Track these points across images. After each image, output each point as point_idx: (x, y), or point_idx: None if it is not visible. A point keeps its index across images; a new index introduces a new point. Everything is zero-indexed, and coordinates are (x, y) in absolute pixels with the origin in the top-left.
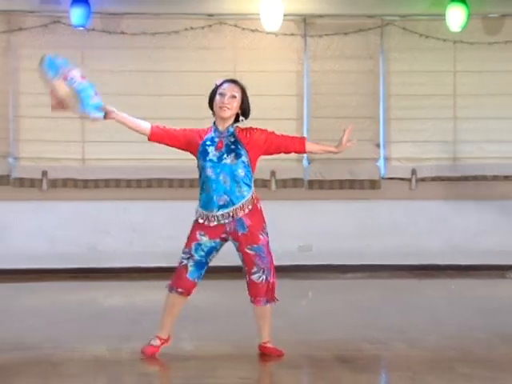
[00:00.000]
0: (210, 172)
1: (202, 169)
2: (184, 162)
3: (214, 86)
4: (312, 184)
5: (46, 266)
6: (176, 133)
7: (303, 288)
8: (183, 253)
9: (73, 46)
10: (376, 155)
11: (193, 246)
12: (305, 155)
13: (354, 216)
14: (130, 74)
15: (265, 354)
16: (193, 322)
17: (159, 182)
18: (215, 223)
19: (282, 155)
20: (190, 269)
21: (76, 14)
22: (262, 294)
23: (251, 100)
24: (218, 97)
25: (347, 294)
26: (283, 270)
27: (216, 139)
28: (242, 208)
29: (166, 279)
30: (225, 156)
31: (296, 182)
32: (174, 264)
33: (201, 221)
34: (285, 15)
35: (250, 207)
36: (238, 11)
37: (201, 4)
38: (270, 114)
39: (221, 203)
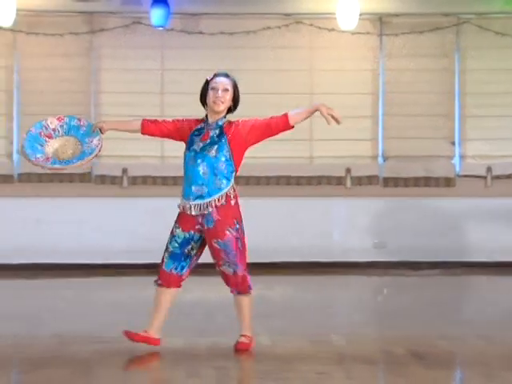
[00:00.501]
0: (191, 162)
1: (184, 158)
2: (259, 160)
3: (207, 81)
4: (387, 181)
5: (125, 261)
6: (167, 124)
7: (378, 284)
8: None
9: (152, 46)
10: (451, 153)
11: (169, 238)
12: (380, 152)
13: (428, 213)
14: (208, 73)
15: None
16: (269, 317)
17: (235, 179)
18: (189, 213)
19: (357, 152)
20: (164, 260)
21: (156, 15)
22: (232, 285)
23: (328, 98)
24: (210, 91)
25: (422, 290)
26: (358, 267)
27: (203, 130)
28: (215, 201)
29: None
30: (208, 147)
31: (371, 180)
32: (256, 260)
33: (180, 210)
34: (361, 14)
35: (223, 202)
36: (314, 10)
37: (278, 4)
38: (346, 112)
39: (197, 193)
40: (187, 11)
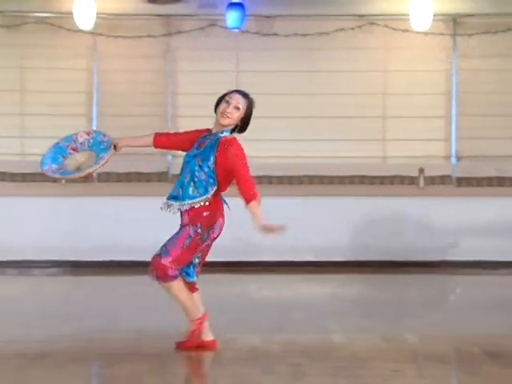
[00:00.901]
0: (183, 165)
1: (182, 163)
2: (332, 160)
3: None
4: (460, 181)
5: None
6: (178, 136)
7: (452, 283)
8: None
9: (228, 48)
10: None
11: None
12: (453, 152)
13: (503, 213)
14: (283, 74)
15: None
16: (343, 314)
17: (310, 179)
18: (164, 210)
19: (430, 152)
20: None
21: (232, 17)
22: (151, 265)
23: (401, 99)
24: (223, 103)
25: (496, 289)
26: (431, 266)
27: (203, 140)
28: (184, 206)
29: (312, 273)
30: (198, 155)
31: (444, 179)
32: (323, 258)
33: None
34: (434, 15)
35: (195, 206)
36: (388, 12)
37: (351, 5)
38: (419, 113)
39: (174, 194)
40: (262, 13)
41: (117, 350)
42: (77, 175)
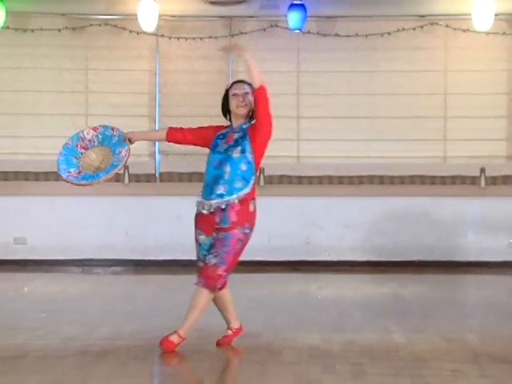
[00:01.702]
0: (215, 163)
1: (209, 160)
2: (393, 160)
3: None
4: None
5: (263, 258)
6: (192, 131)
7: None
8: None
9: (289, 49)
10: None
11: (196, 246)
12: None
13: None
14: (344, 74)
15: None
16: (403, 314)
17: (370, 179)
18: (206, 211)
19: (492, 152)
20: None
21: (293, 18)
22: (202, 274)
23: (462, 99)
24: (232, 98)
25: None
26: (493, 266)
27: (228, 134)
28: (234, 200)
29: (372, 273)
30: (231, 149)
31: (506, 179)
32: (384, 258)
33: (197, 209)
34: (496, 15)
35: (241, 202)
36: (449, 12)
37: (412, 5)
38: (481, 113)
39: (218, 192)
40: (323, 14)
41: (179, 348)
42: (103, 178)
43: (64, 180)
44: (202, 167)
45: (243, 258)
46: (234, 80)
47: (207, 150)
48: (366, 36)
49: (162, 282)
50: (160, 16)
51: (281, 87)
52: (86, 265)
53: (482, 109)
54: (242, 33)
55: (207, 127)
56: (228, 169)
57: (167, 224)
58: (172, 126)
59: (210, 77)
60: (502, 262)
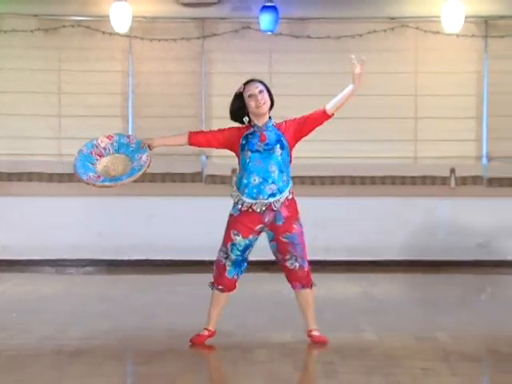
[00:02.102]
0: (257, 162)
1: (248, 160)
2: (364, 160)
3: (239, 96)
4: (491, 181)
5: None
6: (214, 134)
7: (482, 283)
8: (221, 250)
9: (261, 51)
10: None
11: (228, 246)
12: (484, 153)
13: None
14: (315, 76)
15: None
16: (374, 313)
17: (341, 179)
18: (259, 210)
19: (461, 153)
20: (228, 268)
21: (265, 20)
22: (296, 280)
23: (432, 100)
24: (249, 100)
25: None
26: (463, 265)
27: (257, 133)
28: (287, 197)
29: (344, 272)
30: (271, 147)
31: (475, 180)
32: (355, 258)
33: (245, 209)
34: (466, 17)
35: (289, 197)
36: (419, 14)
37: (383, 8)
38: (451, 114)
39: (269, 192)
40: (295, 16)
41: (152, 347)
42: (127, 180)
43: (85, 182)
44: (175, 168)
45: (214, 258)
46: (245, 81)
47: (181, 150)
48: (338, 38)
49: (134, 281)
50: (133, 17)
51: None
52: (59, 265)
53: (452, 110)
54: (214, 34)
55: (229, 129)
56: (274, 167)
57: (140, 224)
58: (192, 130)
59: (182, 78)
60: (471, 261)
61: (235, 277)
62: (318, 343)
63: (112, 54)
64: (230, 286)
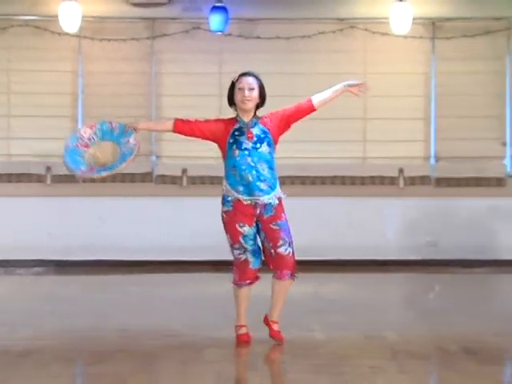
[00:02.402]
0: (246, 159)
1: (238, 158)
2: (314, 160)
3: (233, 82)
4: (439, 181)
5: (186, 258)
6: (200, 125)
7: (430, 282)
8: (234, 249)
9: (211, 51)
10: (502, 153)
11: (241, 239)
12: (432, 153)
13: (480, 212)
14: (265, 76)
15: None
16: (323, 312)
17: (291, 180)
18: (258, 207)
19: (410, 153)
20: (251, 260)
21: (215, 20)
22: (288, 267)
23: (381, 101)
24: (237, 91)
25: (473, 288)
26: (411, 265)
27: (244, 129)
28: (278, 194)
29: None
30: (258, 145)
31: (423, 180)
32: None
33: (228, 205)
34: (414, 19)
35: (281, 194)
36: (368, 15)
37: (332, 9)
38: (399, 114)
39: (264, 189)
40: (245, 17)
41: (102, 348)
42: (122, 165)
43: (81, 176)
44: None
45: (167, 258)
46: (241, 72)
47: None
48: (287, 38)
49: (84, 282)
50: (82, 17)
51: (203, 89)
52: (7, 266)
53: (401, 111)
54: (164, 35)
55: (216, 120)
56: (263, 165)
57: (90, 224)
58: (179, 119)
59: (132, 78)
60: (419, 260)
61: (258, 267)
62: (275, 338)
63: (61, 54)
64: (256, 277)
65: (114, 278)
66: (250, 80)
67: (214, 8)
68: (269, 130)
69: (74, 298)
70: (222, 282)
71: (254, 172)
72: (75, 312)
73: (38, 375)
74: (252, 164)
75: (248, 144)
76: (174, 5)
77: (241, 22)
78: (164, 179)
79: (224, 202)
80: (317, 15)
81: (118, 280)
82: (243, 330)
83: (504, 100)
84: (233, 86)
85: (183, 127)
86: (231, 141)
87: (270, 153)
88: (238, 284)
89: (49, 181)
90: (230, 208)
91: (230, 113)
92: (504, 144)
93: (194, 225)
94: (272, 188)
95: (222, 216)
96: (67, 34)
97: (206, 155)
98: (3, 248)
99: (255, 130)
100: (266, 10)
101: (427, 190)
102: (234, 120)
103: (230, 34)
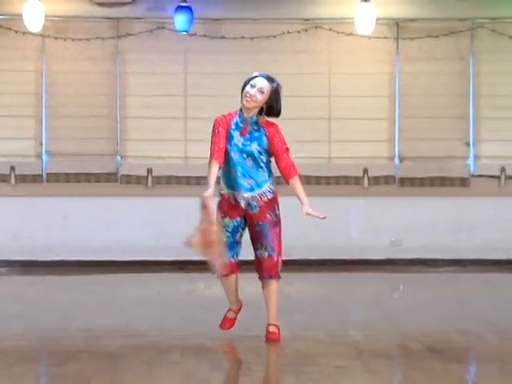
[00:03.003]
0: (236, 156)
1: (230, 152)
2: None
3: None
4: (403, 181)
5: (151, 258)
6: (222, 142)
7: (395, 281)
8: None
9: (176, 51)
10: (466, 153)
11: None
12: (396, 153)
13: (444, 212)
14: (230, 76)
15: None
16: (288, 312)
17: None
18: (240, 203)
19: (374, 153)
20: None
21: (180, 20)
22: (264, 269)
23: (345, 100)
24: (248, 86)
25: (438, 287)
26: (375, 264)
27: (240, 124)
28: (264, 192)
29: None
30: (249, 142)
31: (388, 179)
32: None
33: (224, 197)
34: (378, 19)
35: (269, 194)
36: (333, 16)
37: (297, 9)
38: (363, 114)
39: (247, 186)
40: (210, 17)
41: (67, 348)
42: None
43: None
44: (90, 168)
45: (132, 258)
46: (265, 73)
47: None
48: (252, 38)
49: (49, 282)
50: (46, 16)
51: (168, 88)
52: None
53: (365, 111)
54: (128, 34)
55: (219, 129)
56: (251, 162)
57: (54, 224)
58: (215, 156)
59: (96, 78)
60: (383, 259)
61: (231, 259)
62: (269, 339)
63: (25, 54)
64: (230, 269)
65: (79, 279)
66: (265, 83)
67: (179, 8)
68: (266, 132)
69: (39, 299)
70: (187, 282)
71: (241, 169)
72: (41, 312)
73: (3, 375)
74: (239, 160)
75: (239, 140)
76: (139, 4)
77: (206, 21)
78: (129, 179)
79: (218, 191)
80: (282, 15)
81: (83, 280)
82: (229, 314)
83: (467, 100)
84: (249, 79)
85: (221, 156)
86: (227, 135)
87: (259, 152)
88: (216, 275)
89: (13, 181)
90: (220, 198)
91: (194, 112)
92: (467, 144)
93: (159, 225)
94: (259, 186)
95: (217, 205)
96: (31, 33)
97: (172, 155)
98: None
99: (250, 128)
100: (231, 9)
101: (391, 189)
102: (235, 113)
103: (194, 34)
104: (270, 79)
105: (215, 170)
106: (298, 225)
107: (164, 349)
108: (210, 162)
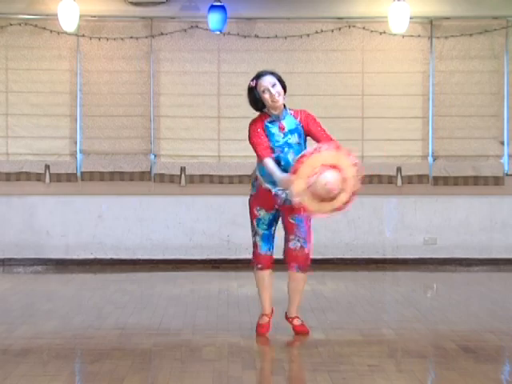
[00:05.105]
0: (278, 151)
1: (271, 149)
2: None
3: (254, 88)
4: (437, 180)
5: (184, 256)
6: (266, 142)
7: (428, 280)
8: (251, 230)
9: (209, 50)
10: (500, 152)
11: (255, 222)
12: (430, 152)
13: (478, 211)
14: None
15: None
16: (322, 311)
17: None
18: (281, 196)
19: (408, 152)
20: (259, 244)
21: (213, 19)
22: (295, 260)
23: (379, 100)
24: (264, 95)
25: (472, 286)
26: (409, 263)
27: (276, 122)
28: None
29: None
30: (289, 136)
31: (421, 178)
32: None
33: (256, 189)
34: (411, 18)
35: None
36: (366, 14)
37: (331, 8)
38: (397, 113)
39: None
40: (243, 16)
41: (100, 346)
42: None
43: None
44: (123, 166)
45: (165, 256)
46: (256, 75)
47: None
48: (285, 37)
49: (83, 280)
50: (81, 16)
51: (202, 88)
52: (6, 264)
53: (398, 109)
54: (162, 33)
55: (260, 128)
56: (293, 156)
57: (88, 223)
58: (264, 155)
59: (130, 77)
60: (417, 258)
61: (268, 253)
62: (299, 332)
63: (60, 53)
64: (266, 263)
65: (113, 277)
66: (269, 78)
67: (213, 7)
68: (300, 122)
69: (72, 297)
70: (219, 281)
71: (284, 163)
72: (74, 311)
73: (36, 374)
74: (282, 155)
75: (279, 135)
76: (173, 4)
77: (239, 21)
78: (162, 178)
79: (252, 185)
80: (315, 14)
81: (116, 278)
82: (263, 320)
83: (502, 99)
84: (249, 92)
85: (269, 153)
86: (266, 133)
87: (300, 144)
88: (252, 265)
89: (48, 179)
90: (255, 191)
91: (227, 111)
92: (502, 143)
93: (192, 223)
94: None
95: (249, 199)
96: (65, 32)
97: (205, 154)
98: (2, 246)
99: (286, 122)
100: (265, 9)
101: (425, 188)
102: (266, 115)
103: (228, 33)
104: (264, 73)
105: (273, 163)
106: (331, 224)
107: (197, 347)
108: (261, 161)
